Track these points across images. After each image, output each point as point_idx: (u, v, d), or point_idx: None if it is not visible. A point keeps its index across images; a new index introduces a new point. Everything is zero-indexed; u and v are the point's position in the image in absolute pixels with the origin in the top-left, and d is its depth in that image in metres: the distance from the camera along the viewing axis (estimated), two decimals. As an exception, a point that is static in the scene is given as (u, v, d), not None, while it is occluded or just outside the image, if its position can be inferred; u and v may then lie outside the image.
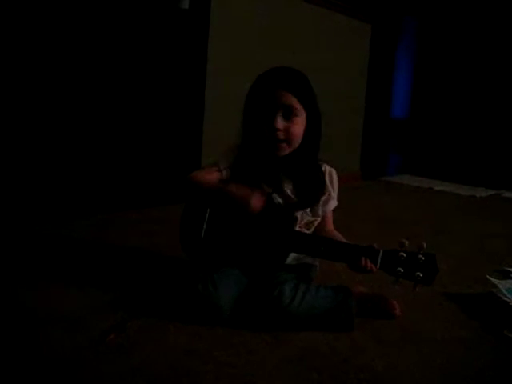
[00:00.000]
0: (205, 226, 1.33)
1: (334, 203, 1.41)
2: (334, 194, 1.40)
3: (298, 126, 1.27)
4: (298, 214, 1.34)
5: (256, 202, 1.24)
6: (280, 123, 1.24)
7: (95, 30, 2.13)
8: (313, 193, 1.34)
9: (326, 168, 1.40)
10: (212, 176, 1.31)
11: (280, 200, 1.31)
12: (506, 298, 1.41)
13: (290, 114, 1.25)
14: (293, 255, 1.34)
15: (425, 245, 1.19)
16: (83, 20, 2.09)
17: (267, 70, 1.29)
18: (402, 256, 1.20)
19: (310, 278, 1.40)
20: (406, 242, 1.20)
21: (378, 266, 1.21)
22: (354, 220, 2.36)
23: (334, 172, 1.41)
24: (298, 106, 1.26)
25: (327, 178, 1.38)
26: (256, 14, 2.71)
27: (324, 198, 1.37)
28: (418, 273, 1.18)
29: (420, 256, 1.19)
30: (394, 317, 1.31)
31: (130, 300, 1.33)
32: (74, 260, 1.62)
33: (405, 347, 1.17)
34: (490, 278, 1.57)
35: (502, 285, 1.49)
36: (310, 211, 1.36)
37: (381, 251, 1.21)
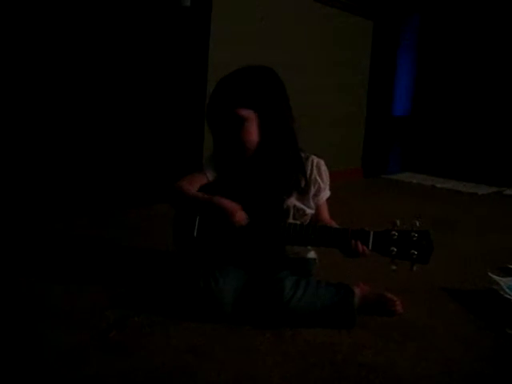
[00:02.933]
0: (197, 225, 1.32)
1: (325, 194, 1.40)
2: (324, 185, 1.39)
3: (248, 130, 1.30)
4: (290, 207, 1.34)
5: (239, 218, 1.25)
6: (228, 133, 1.30)
7: (98, 26, 2.13)
8: (288, 180, 1.34)
9: (314, 160, 1.39)
10: (196, 184, 1.34)
11: (259, 193, 1.32)
12: (507, 295, 1.41)
13: (236, 122, 1.29)
14: (289, 249, 1.34)
15: (418, 223, 1.17)
16: (83, 16, 2.09)
17: (216, 86, 1.36)
18: (394, 235, 1.16)
19: (310, 272, 1.40)
20: (398, 222, 1.18)
21: (369, 248, 1.19)
22: (355, 217, 2.35)
23: (321, 163, 1.40)
24: (244, 112, 1.28)
25: (315, 170, 1.38)
26: (257, 11, 2.70)
27: (313, 190, 1.37)
28: (413, 251, 1.15)
29: (413, 234, 1.16)
30: (395, 313, 1.31)
31: (131, 297, 1.33)
32: (74, 257, 1.62)
33: (406, 344, 1.17)
34: (491, 275, 1.57)
35: (504, 282, 1.49)
36: (303, 204, 1.36)
37: (371, 232, 1.19)
